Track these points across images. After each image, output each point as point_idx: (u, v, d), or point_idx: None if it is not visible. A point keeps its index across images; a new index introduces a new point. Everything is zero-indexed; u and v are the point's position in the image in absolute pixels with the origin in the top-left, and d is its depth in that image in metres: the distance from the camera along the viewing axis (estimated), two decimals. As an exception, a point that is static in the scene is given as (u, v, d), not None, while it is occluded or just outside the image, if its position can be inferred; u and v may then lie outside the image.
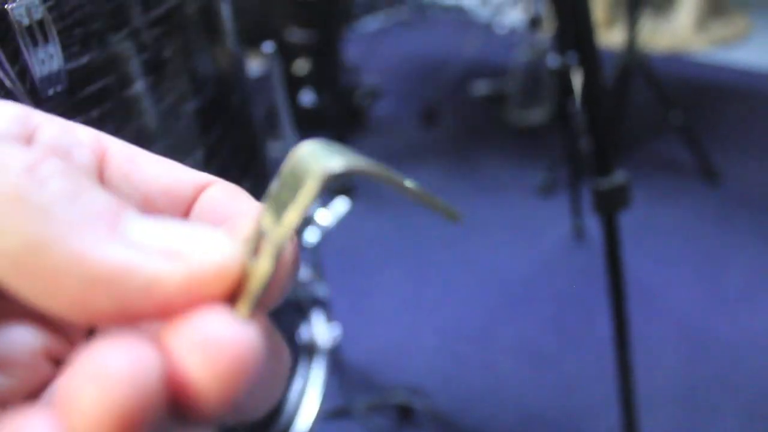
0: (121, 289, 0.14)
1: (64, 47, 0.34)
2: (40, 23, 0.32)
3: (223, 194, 0.19)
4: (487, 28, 2.73)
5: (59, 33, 0.34)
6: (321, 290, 0.76)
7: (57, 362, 0.18)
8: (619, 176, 0.88)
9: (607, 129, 0.86)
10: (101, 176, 0.18)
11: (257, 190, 0.58)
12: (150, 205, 0.19)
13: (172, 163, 0.20)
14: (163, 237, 0.15)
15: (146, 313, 0.14)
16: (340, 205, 0.76)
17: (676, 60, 2.72)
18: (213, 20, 0.52)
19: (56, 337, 0.18)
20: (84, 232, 0.14)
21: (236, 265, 0.15)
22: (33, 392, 0.17)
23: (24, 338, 0.17)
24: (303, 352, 0.71)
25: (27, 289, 0.14)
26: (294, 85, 2.01)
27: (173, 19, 0.44)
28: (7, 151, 0.15)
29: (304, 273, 0.75)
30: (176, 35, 0.45)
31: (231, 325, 0.14)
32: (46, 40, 0.32)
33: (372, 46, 2.76)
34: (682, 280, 1.58)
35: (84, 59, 0.37)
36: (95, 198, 0.15)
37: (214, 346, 0.14)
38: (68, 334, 0.18)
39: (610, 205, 0.89)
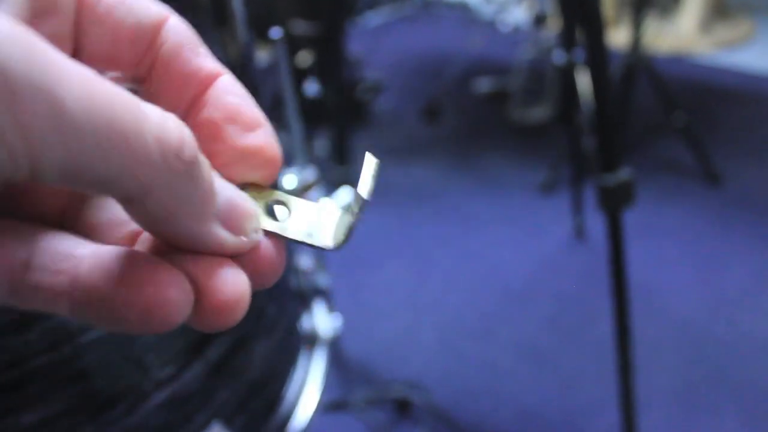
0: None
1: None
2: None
3: (231, 88, 0.23)
4: (491, 26, 2.73)
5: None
6: (323, 280, 0.75)
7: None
8: (624, 173, 0.87)
9: (614, 125, 0.86)
10: (79, 21, 0.21)
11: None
12: (118, 40, 0.21)
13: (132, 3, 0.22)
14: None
15: None
16: (344, 194, 0.76)
17: (679, 62, 2.71)
18: (223, 5, 0.52)
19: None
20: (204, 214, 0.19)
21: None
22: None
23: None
24: (304, 342, 0.70)
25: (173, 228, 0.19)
26: (297, 76, 2.00)
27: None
28: (168, 121, 0.17)
29: (307, 262, 0.75)
30: (185, 16, 0.45)
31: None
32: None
33: (375, 40, 2.75)
34: (683, 280, 1.58)
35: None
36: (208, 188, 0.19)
37: None
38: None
39: (615, 202, 0.89)
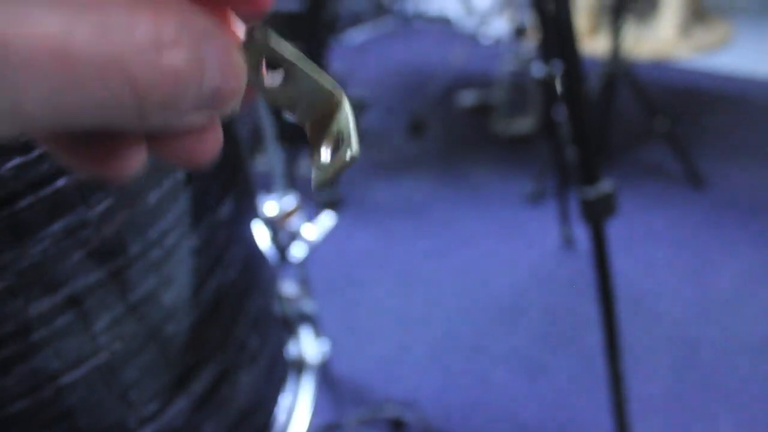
0: None
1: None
2: None
3: None
4: (472, 39, 2.75)
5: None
6: (308, 306, 0.75)
7: None
8: (605, 185, 0.88)
9: (592, 138, 0.86)
10: None
11: (239, 208, 0.58)
12: None
13: None
14: None
15: None
16: (326, 219, 0.76)
17: (659, 67, 2.74)
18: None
19: None
20: None
21: None
22: None
23: None
24: (292, 368, 0.70)
25: None
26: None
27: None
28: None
29: (291, 289, 0.75)
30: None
31: None
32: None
33: (358, 57, 2.76)
34: (671, 285, 1.59)
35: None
36: None
37: None
38: None
39: (597, 214, 0.89)
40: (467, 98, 2.42)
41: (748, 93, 2.50)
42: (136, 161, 0.19)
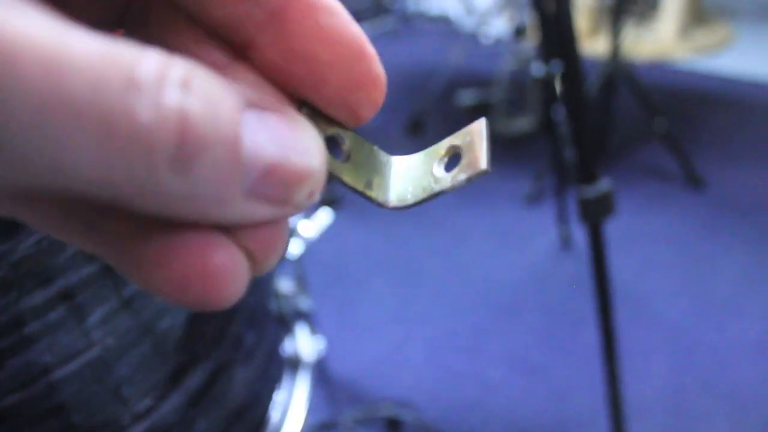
0: None
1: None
2: None
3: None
4: (472, 38, 2.74)
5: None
6: (304, 303, 0.75)
7: None
8: (603, 184, 0.88)
9: (591, 138, 0.86)
10: None
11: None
12: None
13: None
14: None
15: None
16: (324, 216, 0.75)
17: (659, 68, 2.74)
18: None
19: None
20: None
21: None
22: None
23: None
24: (287, 365, 0.70)
25: None
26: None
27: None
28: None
29: (287, 286, 0.74)
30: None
31: None
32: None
33: (357, 56, 2.76)
34: (669, 286, 1.59)
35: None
36: None
37: None
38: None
39: (596, 213, 0.89)
40: (467, 97, 2.42)
41: (748, 95, 2.50)
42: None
